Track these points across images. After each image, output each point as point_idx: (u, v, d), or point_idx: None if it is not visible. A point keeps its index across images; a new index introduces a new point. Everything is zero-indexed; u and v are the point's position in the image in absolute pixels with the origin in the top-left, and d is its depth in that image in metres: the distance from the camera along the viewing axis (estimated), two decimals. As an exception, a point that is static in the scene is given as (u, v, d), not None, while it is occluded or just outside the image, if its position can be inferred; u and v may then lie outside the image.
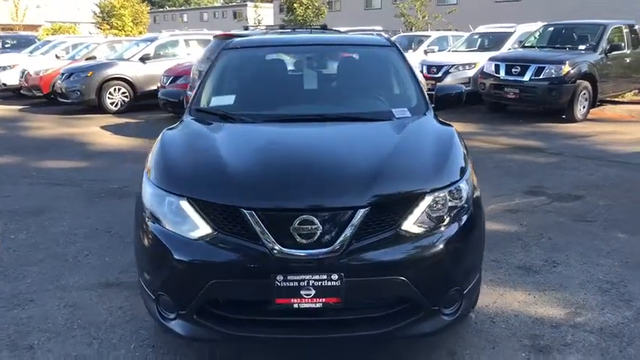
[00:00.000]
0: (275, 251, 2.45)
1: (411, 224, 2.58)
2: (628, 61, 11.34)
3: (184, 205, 2.59)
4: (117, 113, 12.02)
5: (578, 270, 3.90)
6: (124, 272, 3.91)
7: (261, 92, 3.90)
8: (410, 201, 2.62)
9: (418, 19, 24.30)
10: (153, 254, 2.69)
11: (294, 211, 2.51)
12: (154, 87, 11.86)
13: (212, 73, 3.87)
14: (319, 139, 3.18)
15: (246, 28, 9.58)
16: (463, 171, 2.83)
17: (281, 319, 2.57)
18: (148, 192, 2.77)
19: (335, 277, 2.47)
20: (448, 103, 3.87)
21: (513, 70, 10.44)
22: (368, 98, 3.83)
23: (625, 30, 11.41)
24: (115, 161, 7.48)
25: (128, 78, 12.19)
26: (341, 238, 2.48)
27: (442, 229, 2.62)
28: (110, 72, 12.20)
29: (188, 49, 13.11)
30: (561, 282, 3.72)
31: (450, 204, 2.66)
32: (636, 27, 11.88)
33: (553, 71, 9.99)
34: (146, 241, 2.72)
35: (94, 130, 10.06)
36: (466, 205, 2.72)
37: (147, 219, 2.72)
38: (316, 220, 2.48)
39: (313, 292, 2.49)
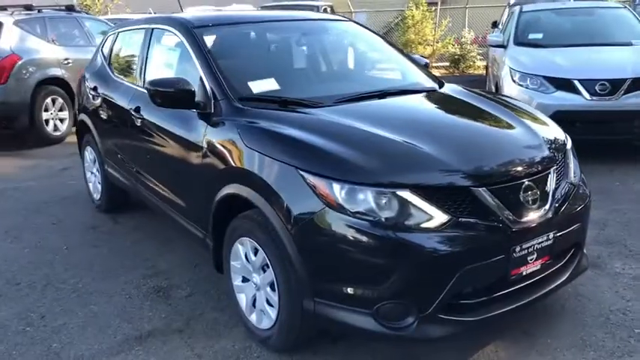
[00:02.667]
0: (512, 224, 2.41)
1: (572, 175, 2.83)
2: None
3: (407, 195, 2.30)
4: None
5: None
6: None
7: (297, 74, 3.48)
8: (570, 155, 2.87)
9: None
10: (378, 261, 2.31)
11: (518, 179, 2.50)
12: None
13: (215, 56, 3.25)
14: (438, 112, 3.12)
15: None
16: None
17: (511, 289, 2.54)
18: (344, 192, 2.34)
19: (550, 236, 2.57)
20: None
21: None
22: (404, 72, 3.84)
23: None
24: None
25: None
26: (550, 198, 2.58)
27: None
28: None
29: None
30: None
31: None
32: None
33: None
34: (362, 250, 2.32)
35: None
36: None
37: (354, 225, 2.31)
38: (534, 185, 2.52)
39: (535, 255, 2.54)
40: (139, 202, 4.75)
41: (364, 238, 2.30)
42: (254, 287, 2.81)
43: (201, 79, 3.14)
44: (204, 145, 3.00)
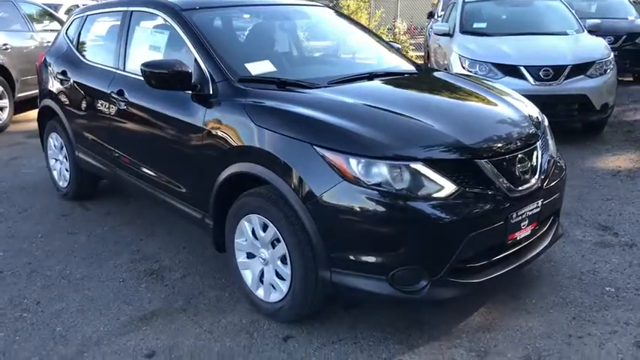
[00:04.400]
0: (510, 192, 2.64)
1: (552, 150, 3.11)
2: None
3: (419, 167, 2.48)
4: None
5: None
6: None
7: (287, 57, 3.56)
8: (547, 131, 3.16)
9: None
10: (393, 230, 2.48)
11: (513, 152, 2.73)
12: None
13: (209, 39, 3.29)
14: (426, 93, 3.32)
15: None
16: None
17: (507, 253, 2.78)
18: (360, 166, 2.48)
19: (539, 203, 2.83)
20: None
21: None
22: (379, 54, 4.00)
23: None
24: None
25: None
26: (538, 169, 2.84)
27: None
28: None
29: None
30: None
31: None
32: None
33: None
34: (378, 220, 2.47)
35: None
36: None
37: (370, 197, 2.46)
38: (526, 158, 2.77)
39: (527, 221, 2.79)
40: (108, 188, 4.72)
41: (380, 209, 2.46)
42: (261, 262, 2.90)
43: (196, 61, 3.18)
44: (205, 126, 3.04)
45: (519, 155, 2.74)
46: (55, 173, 4.86)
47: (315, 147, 2.55)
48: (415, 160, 2.49)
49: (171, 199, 3.47)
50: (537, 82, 6.04)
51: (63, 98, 4.43)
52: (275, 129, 2.70)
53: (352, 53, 4.00)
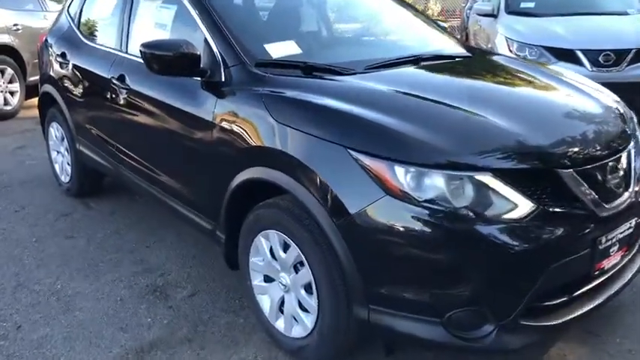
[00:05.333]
0: (599, 211, 2.05)
1: None
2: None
3: (487, 179, 1.90)
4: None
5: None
6: None
7: (316, 37, 2.99)
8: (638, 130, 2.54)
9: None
10: (451, 260, 1.91)
11: (602, 159, 2.13)
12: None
13: (222, 16, 2.73)
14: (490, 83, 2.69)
15: None
16: None
17: (593, 286, 2.19)
18: (409, 176, 1.92)
19: (632, 223, 2.24)
20: None
21: None
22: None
23: None
24: None
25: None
26: (632, 180, 2.24)
27: None
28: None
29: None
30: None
31: None
32: None
33: None
34: (432, 246, 1.91)
35: None
36: None
37: (421, 216, 1.90)
38: (617, 166, 2.17)
39: (617, 246, 2.20)
40: (114, 184, 4.23)
41: (434, 232, 1.89)
42: (281, 288, 2.37)
43: (206, 41, 2.64)
44: (214, 120, 2.51)
45: (610, 163, 2.13)
46: (56, 167, 4.38)
47: (349, 151, 1.99)
48: (482, 169, 1.91)
49: (177, 205, 2.96)
50: (595, 69, 5.36)
51: (62, 84, 3.93)
52: (299, 126, 2.15)
53: (391, 33, 3.40)
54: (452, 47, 3.20)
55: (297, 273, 2.27)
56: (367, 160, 1.96)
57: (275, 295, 2.42)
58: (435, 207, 1.88)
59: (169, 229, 3.64)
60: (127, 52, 3.28)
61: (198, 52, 2.56)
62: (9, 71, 6.96)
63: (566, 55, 5.48)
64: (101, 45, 3.59)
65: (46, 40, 4.27)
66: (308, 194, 2.10)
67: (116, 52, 3.36)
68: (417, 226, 1.89)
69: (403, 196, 1.91)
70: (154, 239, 3.54)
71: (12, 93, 7.06)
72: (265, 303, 2.48)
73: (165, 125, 2.87)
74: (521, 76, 2.78)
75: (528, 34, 5.84)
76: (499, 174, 1.90)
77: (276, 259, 2.36)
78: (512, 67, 2.91)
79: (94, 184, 4.16)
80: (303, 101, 2.24)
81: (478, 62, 3.02)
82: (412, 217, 1.90)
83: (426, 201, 1.89)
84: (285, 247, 2.29)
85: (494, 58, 3.20)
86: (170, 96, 2.81)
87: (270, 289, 2.45)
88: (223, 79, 2.53)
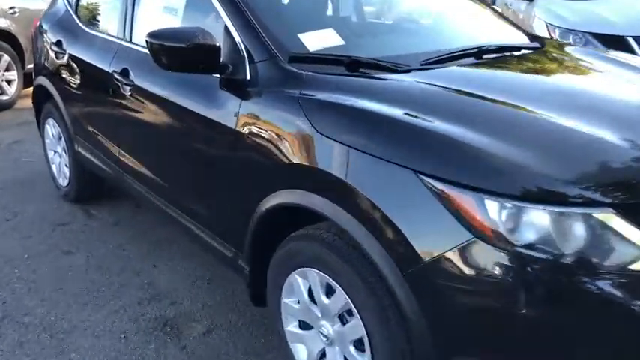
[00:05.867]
0: None
1: None
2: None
3: (608, 218, 1.42)
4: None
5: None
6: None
7: (359, 24, 2.50)
8: None
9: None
10: (560, 324, 1.43)
11: None
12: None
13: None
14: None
15: None
16: None
17: None
18: (505, 213, 1.43)
19: None
20: None
21: None
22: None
23: None
24: None
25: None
26: None
27: None
28: None
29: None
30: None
31: None
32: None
33: None
34: (533, 306, 1.44)
35: None
36: None
37: (519, 266, 1.42)
38: None
39: None
40: (118, 188, 3.76)
41: (536, 287, 1.42)
42: (322, 340, 1.91)
43: (226, 30, 2.15)
44: (237, 127, 2.03)
45: None
46: (53, 168, 3.92)
47: (421, 176, 1.51)
48: (600, 204, 1.43)
49: (189, 224, 2.50)
50: (648, 57, 4.82)
51: (59, 76, 3.45)
52: (349, 141, 1.67)
53: (442, 19, 2.88)
54: (516, 36, 2.70)
55: (343, 324, 1.81)
56: (446, 189, 1.48)
57: (313, 347, 1.97)
58: (538, 254, 1.41)
59: (180, 243, 3.18)
60: (131, 42, 2.80)
61: (218, 44, 2.07)
62: (5, 58, 6.47)
63: (615, 42, 4.94)
64: (102, 33, 3.12)
65: (41, 26, 3.78)
66: (361, 228, 1.63)
67: (119, 42, 2.88)
68: (511, 279, 1.42)
69: (494, 239, 1.43)
70: (162, 257, 3.09)
71: (9, 82, 6.57)
72: (301, 354, 2.03)
73: (176, 129, 2.41)
74: (619, 74, 2.27)
75: (573, 19, 5.31)
76: (622, 210, 1.42)
77: (315, 303, 1.90)
78: (602, 63, 2.40)
79: (96, 190, 3.70)
80: (353, 108, 1.76)
81: (556, 56, 2.50)
82: (505, 266, 1.43)
83: (524, 246, 1.42)
84: (329, 291, 1.83)
85: (570, 50, 2.69)
86: (182, 95, 2.34)
87: (307, 339, 1.99)
88: (248, 77, 2.06)
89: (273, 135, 1.91)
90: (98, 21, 3.26)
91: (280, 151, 1.88)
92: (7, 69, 6.50)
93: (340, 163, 1.69)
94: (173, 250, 3.14)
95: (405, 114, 1.68)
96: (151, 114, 2.56)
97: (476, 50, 2.28)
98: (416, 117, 1.66)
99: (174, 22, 2.48)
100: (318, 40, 2.14)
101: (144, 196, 2.83)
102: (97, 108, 3.07)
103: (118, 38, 2.90)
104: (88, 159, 3.35)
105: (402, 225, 1.53)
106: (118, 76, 2.73)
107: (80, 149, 3.40)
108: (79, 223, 3.55)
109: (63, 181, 3.81)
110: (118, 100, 2.77)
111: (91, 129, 3.20)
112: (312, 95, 1.86)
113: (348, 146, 1.67)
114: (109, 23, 3.06)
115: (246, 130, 2.00)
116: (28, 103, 6.38)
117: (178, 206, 2.55)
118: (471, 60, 2.22)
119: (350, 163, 1.67)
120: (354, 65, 2.03)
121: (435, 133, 1.59)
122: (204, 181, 2.33)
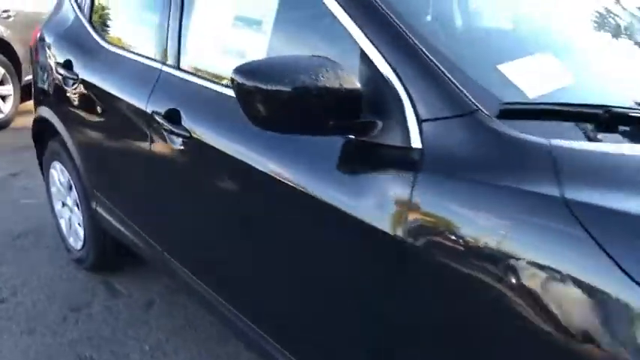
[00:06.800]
0: None
1: None
2: None
3: None
4: None
5: None
6: None
7: (582, 49, 1.56)
8: None
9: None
10: None
11: None
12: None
13: (401, 13, 1.29)
14: None
15: None
16: None
17: None
18: None
19: None
20: None
21: None
22: None
23: None
24: None
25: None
26: None
27: None
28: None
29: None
30: None
31: None
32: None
33: None
34: None
35: None
36: None
37: None
38: None
39: None
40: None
41: None
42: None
43: (365, 59, 1.22)
44: (406, 237, 1.11)
45: None
46: (62, 223, 3.00)
47: None
48: None
49: (260, 339, 1.58)
50: None
51: (67, 109, 2.53)
52: None
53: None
54: None
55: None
56: None
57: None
58: None
59: (239, 344, 2.26)
60: (178, 68, 1.86)
61: (358, 86, 1.15)
62: (-1, 70, 5.54)
63: None
64: (131, 52, 2.18)
65: (42, 38, 2.85)
66: None
67: (159, 67, 1.94)
68: None
69: None
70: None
71: (3, 97, 5.64)
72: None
73: (267, 213, 1.49)
74: None
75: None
76: None
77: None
78: None
79: (120, 256, 2.77)
80: None
81: None
82: None
83: None
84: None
85: None
86: (278, 161, 1.42)
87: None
88: (419, 146, 1.13)
89: (503, 268, 0.98)
90: (125, 34, 2.33)
91: (539, 310, 0.95)
92: (1, 82, 5.57)
93: None
94: (230, 349, 2.23)
95: None
96: (215, 179, 1.65)
97: None
98: None
99: (261, 42, 1.55)
100: (538, 79, 1.21)
101: (191, 286, 1.92)
102: (126, 159, 2.16)
103: (157, 61, 1.98)
104: (110, 223, 2.43)
105: None
106: (160, 120, 1.81)
107: (99, 209, 2.48)
108: (99, 304, 2.64)
109: (75, 243, 2.88)
110: (161, 153, 1.85)
111: (115, 185, 2.29)
112: (586, 196, 0.94)
113: None
114: (143, 37, 2.13)
115: (423, 248, 1.08)
116: (27, 121, 5.44)
117: (248, 313, 1.65)
118: None
119: None
120: (609, 119, 1.11)
121: None
122: (312, 302, 1.41)
